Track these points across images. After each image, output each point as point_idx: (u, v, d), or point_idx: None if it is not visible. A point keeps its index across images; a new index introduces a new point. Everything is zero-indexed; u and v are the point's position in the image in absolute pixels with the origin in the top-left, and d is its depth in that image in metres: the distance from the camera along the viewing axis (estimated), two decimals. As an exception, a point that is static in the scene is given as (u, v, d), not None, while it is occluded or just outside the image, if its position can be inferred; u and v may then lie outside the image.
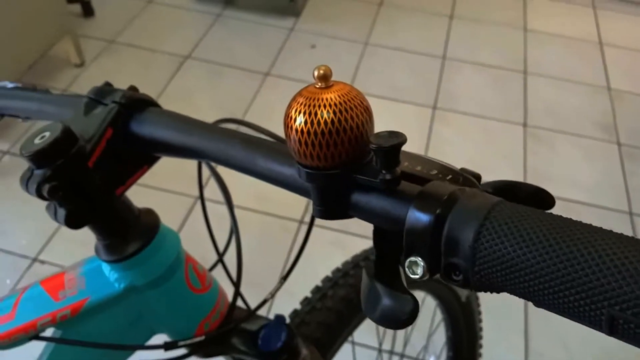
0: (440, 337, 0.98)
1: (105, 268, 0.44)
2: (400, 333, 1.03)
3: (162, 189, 1.55)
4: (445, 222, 0.24)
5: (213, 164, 0.51)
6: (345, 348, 0.71)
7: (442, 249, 0.24)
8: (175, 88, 1.89)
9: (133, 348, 0.48)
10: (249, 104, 1.87)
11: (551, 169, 1.75)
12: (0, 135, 1.68)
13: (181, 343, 0.48)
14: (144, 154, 0.40)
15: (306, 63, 2.05)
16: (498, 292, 0.24)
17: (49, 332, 0.47)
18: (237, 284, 0.51)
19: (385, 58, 2.11)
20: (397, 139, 0.26)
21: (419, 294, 0.83)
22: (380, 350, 1.05)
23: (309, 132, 0.27)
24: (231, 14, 2.25)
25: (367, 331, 0.79)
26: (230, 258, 0.56)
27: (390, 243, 0.28)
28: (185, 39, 2.11)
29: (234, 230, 0.51)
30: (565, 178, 1.72)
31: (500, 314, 1.33)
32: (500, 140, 1.84)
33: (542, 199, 0.27)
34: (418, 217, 0.25)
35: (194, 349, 0.51)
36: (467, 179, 0.27)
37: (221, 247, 0.56)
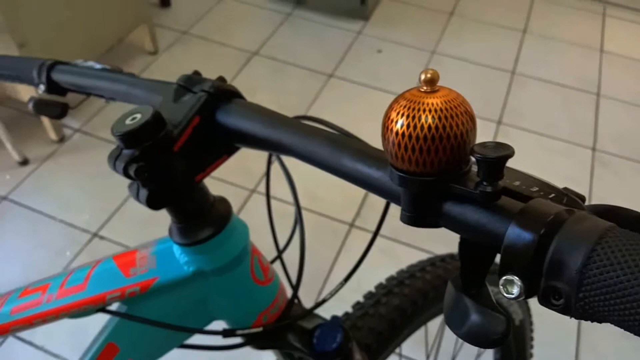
0: (488, 358, 0.96)
1: (177, 250, 0.46)
2: (448, 350, 1.01)
3: (220, 179, 1.58)
4: (550, 243, 0.23)
5: (283, 158, 0.52)
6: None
7: (543, 270, 0.23)
8: (240, 82, 1.93)
9: (193, 331, 0.49)
10: (310, 104, 1.88)
11: (617, 197, 1.67)
12: (72, 115, 1.77)
13: (239, 332, 0.49)
14: (226, 144, 0.41)
15: (370, 67, 2.05)
16: (600, 322, 0.23)
17: (114, 307, 0.49)
18: (297, 280, 0.51)
19: (452, 68, 2.07)
20: (504, 151, 0.25)
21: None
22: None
23: (409, 136, 0.26)
24: (301, 14, 2.27)
25: (415, 344, 0.78)
26: (285, 255, 0.56)
27: (479, 257, 0.27)
28: (255, 35, 2.15)
29: (299, 226, 0.51)
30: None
31: (552, 342, 1.28)
32: (564, 162, 1.77)
33: None
34: (520, 235, 0.24)
35: (249, 340, 0.52)
36: (572, 199, 0.26)
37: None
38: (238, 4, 2.32)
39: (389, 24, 2.25)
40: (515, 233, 0.24)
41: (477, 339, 0.26)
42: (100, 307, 0.48)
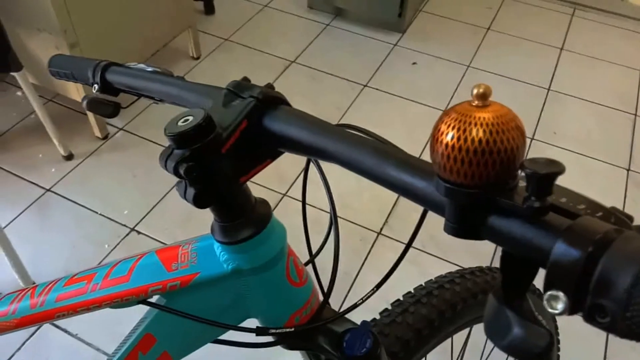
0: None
1: (217, 248, 0.47)
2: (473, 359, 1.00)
3: (253, 182, 1.61)
4: (598, 261, 0.23)
5: (320, 162, 0.53)
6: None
7: (590, 288, 0.23)
8: (278, 89, 1.95)
9: (227, 327, 0.50)
10: (343, 113, 1.90)
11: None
12: (116, 114, 1.83)
13: (272, 330, 0.50)
14: (271, 148, 0.43)
15: (405, 79, 2.05)
16: None
17: (154, 298, 0.51)
18: (330, 283, 0.51)
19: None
20: (555, 168, 0.25)
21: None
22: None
23: (459, 149, 0.26)
24: (339, 25, 2.30)
25: (439, 356, 0.78)
26: (316, 260, 0.57)
27: (521, 271, 0.28)
28: (293, 44, 2.18)
29: (334, 230, 0.52)
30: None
31: (579, 352, 1.26)
32: (598, 181, 1.74)
33: None
34: (567, 251, 0.24)
35: (281, 339, 0.53)
36: (619, 218, 0.26)
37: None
38: (278, 13, 2.36)
39: (425, 37, 2.26)
40: (562, 249, 0.24)
41: (519, 351, 0.26)
42: (142, 299, 0.49)
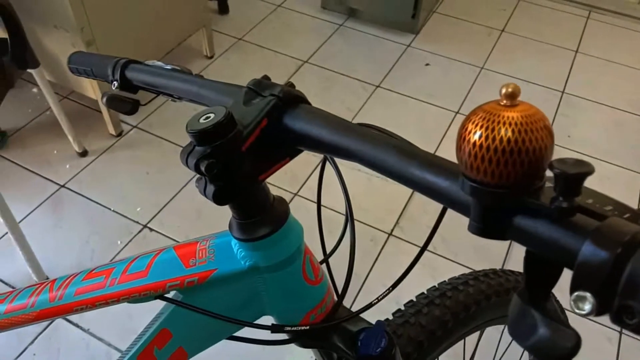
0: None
1: (235, 245, 0.47)
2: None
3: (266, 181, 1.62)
4: (626, 262, 0.23)
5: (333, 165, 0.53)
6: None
7: (619, 289, 0.23)
8: (289, 89, 1.96)
9: (243, 324, 0.50)
10: (355, 113, 1.90)
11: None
12: (130, 111, 1.84)
13: (287, 328, 0.50)
14: (290, 147, 0.43)
15: (417, 80, 2.05)
16: None
17: (171, 294, 0.51)
18: (346, 282, 0.51)
19: (500, 84, 2.05)
20: (584, 168, 0.25)
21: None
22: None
23: (487, 148, 0.26)
24: (352, 25, 2.30)
25: (452, 357, 0.78)
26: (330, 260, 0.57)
27: (545, 271, 0.28)
28: (306, 44, 2.19)
29: (350, 228, 0.52)
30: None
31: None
32: (612, 186, 1.72)
33: None
34: (595, 252, 0.24)
35: (295, 337, 0.53)
36: None
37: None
38: (292, 13, 2.37)
39: (438, 38, 2.25)
40: (590, 251, 0.24)
41: (545, 352, 0.26)
42: (160, 294, 0.49)
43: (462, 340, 0.74)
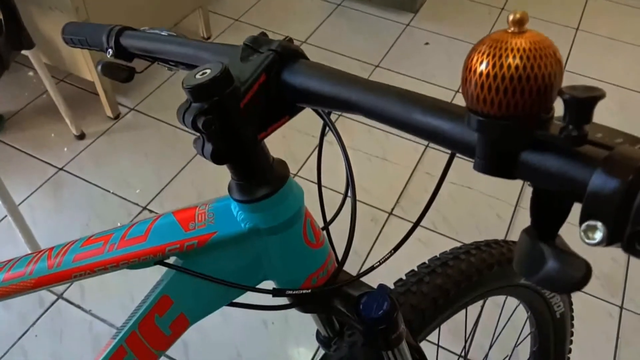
0: (525, 350, 0.94)
1: (235, 207, 0.47)
2: (485, 342, 1.00)
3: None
4: (639, 189, 0.23)
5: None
6: (429, 350, 0.69)
7: (631, 217, 0.23)
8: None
9: (245, 288, 0.50)
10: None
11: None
12: (126, 95, 1.83)
13: (289, 292, 0.50)
14: (289, 104, 0.42)
15: (417, 59, 2.04)
16: None
17: (171, 260, 0.50)
18: (347, 244, 0.51)
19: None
20: (595, 92, 0.24)
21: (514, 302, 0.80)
22: (462, 356, 1.03)
23: (495, 76, 0.26)
24: (350, 5, 2.28)
25: (452, 335, 0.78)
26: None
27: (553, 208, 0.27)
28: (304, 25, 2.17)
29: (351, 189, 0.51)
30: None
31: (590, 341, 1.25)
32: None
33: None
34: (606, 181, 0.23)
35: (297, 301, 0.53)
36: None
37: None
38: (289, -8, 2.35)
39: (437, 17, 2.23)
40: (601, 179, 0.24)
41: (555, 283, 0.26)
42: (160, 258, 0.49)
43: (464, 310, 0.74)
